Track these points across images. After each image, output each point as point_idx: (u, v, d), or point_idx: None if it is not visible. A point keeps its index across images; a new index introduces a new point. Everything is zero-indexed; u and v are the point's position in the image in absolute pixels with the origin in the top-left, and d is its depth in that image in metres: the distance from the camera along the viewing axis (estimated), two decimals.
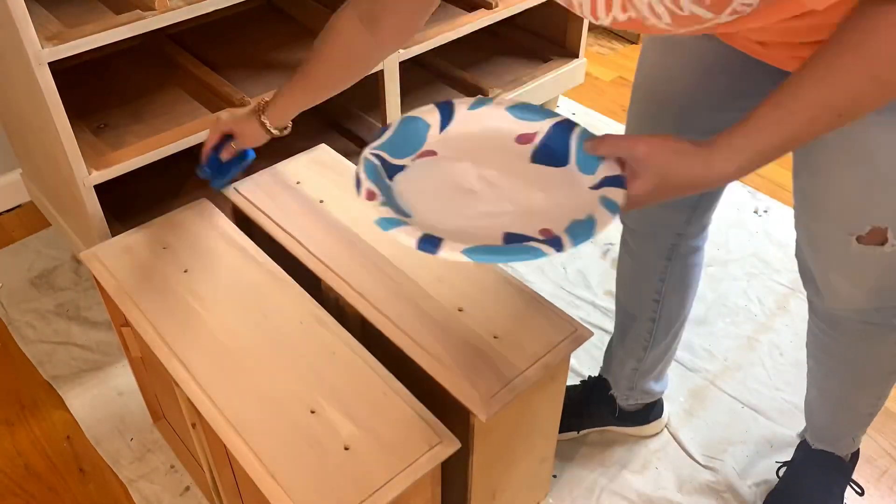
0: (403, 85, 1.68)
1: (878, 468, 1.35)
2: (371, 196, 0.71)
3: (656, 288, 1.20)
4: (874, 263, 0.91)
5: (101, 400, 1.44)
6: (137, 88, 1.60)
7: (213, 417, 0.93)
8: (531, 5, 1.82)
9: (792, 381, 1.48)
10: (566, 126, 0.79)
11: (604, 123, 2.20)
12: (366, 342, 1.03)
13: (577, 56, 2.01)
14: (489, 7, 1.75)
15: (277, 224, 1.20)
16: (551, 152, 0.78)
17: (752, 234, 1.82)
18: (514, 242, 0.69)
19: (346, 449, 0.89)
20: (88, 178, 1.31)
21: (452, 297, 1.07)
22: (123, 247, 1.16)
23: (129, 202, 1.59)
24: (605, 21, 0.69)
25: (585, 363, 1.51)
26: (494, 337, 1.02)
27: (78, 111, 1.52)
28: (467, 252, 0.65)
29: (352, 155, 1.69)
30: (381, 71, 1.61)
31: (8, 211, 1.87)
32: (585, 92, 2.33)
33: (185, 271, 1.12)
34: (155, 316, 1.05)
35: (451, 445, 0.90)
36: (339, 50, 1.00)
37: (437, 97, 1.87)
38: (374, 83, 1.65)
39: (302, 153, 1.35)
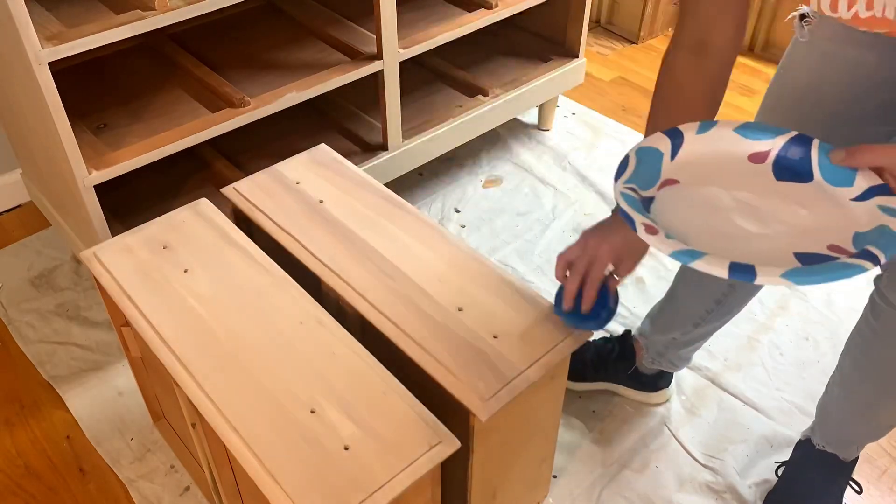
0: (403, 85, 1.68)
1: (877, 468, 1.35)
2: (652, 230, 0.67)
3: (709, 309, 1.22)
4: None
5: (101, 400, 1.44)
6: (137, 88, 1.60)
7: (213, 417, 0.93)
8: (531, 5, 1.82)
9: (792, 381, 1.48)
10: (801, 140, 0.77)
11: (604, 123, 2.20)
12: (366, 342, 1.03)
13: (577, 56, 2.01)
14: (489, 7, 1.75)
15: (277, 224, 1.20)
16: (792, 168, 0.76)
17: None
18: (809, 261, 0.67)
19: (346, 449, 0.89)
20: (88, 178, 1.31)
21: (452, 297, 1.07)
22: (123, 247, 1.16)
23: (129, 202, 1.59)
24: (844, 15, 0.69)
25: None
26: (494, 337, 1.02)
27: (78, 111, 1.52)
28: (786, 275, 0.63)
29: (352, 155, 1.69)
30: (381, 71, 1.61)
31: (8, 211, 1.87)
32: (585, 92, 2.33)
33: (185, 271, 1.12)
34: (155, 316, 1.05)
35: (451, 445, 0.90)
36: (690, 94, 0.92)
37: (437, 97, 1.87)
38: (373, 83, 1.65)
39: (302, 153, 1.35)
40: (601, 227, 0.98)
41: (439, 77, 1.94)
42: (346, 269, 1.12)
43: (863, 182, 0.72)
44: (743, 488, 1.31)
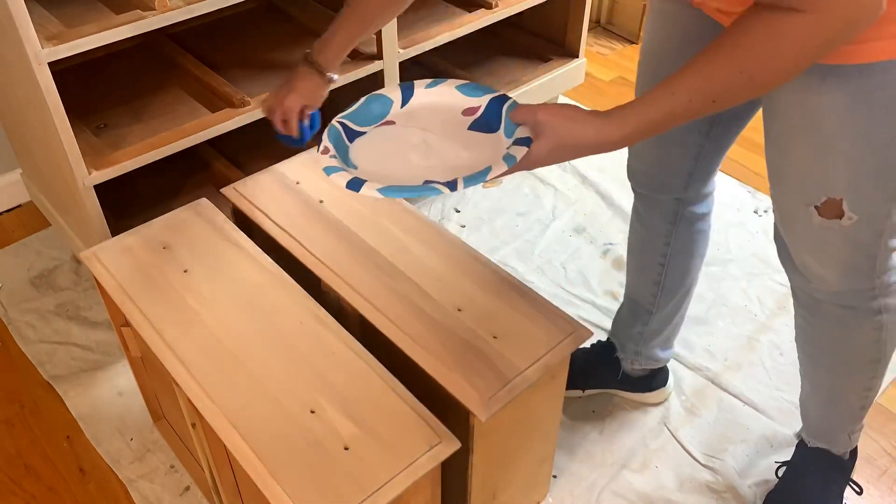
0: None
1: (877, 468, 1.35)
2: (325, 151, 0.86)
3: (661, 252, 1.27)
4: (837, 239, 0.95)
5: (101, 400, 1.44)
6: (137, 88, 1.60)
7: (213, 417, 0.93)
8: (531, 5, 1.82)
9: (792, 381, 1.48)
10: (501, 99, 0.91)
11: None
12: (366, 342, 1.03)
13: (577, 56, 2.01)
14: (489, 7, 1.75)
15: (277, 224, 1.20)
16: (487, 122, 0.91)
17: (752, 235, 1.82)
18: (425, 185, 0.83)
19: (346, 449, 0.89)
20: (88, 178, 1.31)
21: (452, 297, 1.07)
22: (123, 247, 1.16)
23: (129, 202, 1.59)
24: None
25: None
26: (494, 337, 1.02)
27: (78, 111, 1.52)
28: (380, 190, 0.80)
29: None
30: (381, 71, 1.61)
31: (8, 211, 1.87)
32: (585, 92, 2.33)
33: (185, 271, 1.12)
34: (155, 316, 1.05)
35: (451, 445, 0.90)
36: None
37: None
38: (373, 83, 1.65)
39: (302, 153, 1.35)
40: (287, 78, 1.18)
41: (439, 77, 1.94)
42: (346, 269, 1.12)
43: (517, 134, 0.85)
44: (743, 488, 1.31)
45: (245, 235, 1.18)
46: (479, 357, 0.99)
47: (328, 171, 0.84)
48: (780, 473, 1.29)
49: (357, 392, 0.95)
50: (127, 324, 1.14)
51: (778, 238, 1.06)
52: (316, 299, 1.08)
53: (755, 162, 2.04)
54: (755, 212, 1.89)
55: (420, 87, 0.96)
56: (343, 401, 0.94)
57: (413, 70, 1.91)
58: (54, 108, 1.22)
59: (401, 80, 1.65)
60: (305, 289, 1.09)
